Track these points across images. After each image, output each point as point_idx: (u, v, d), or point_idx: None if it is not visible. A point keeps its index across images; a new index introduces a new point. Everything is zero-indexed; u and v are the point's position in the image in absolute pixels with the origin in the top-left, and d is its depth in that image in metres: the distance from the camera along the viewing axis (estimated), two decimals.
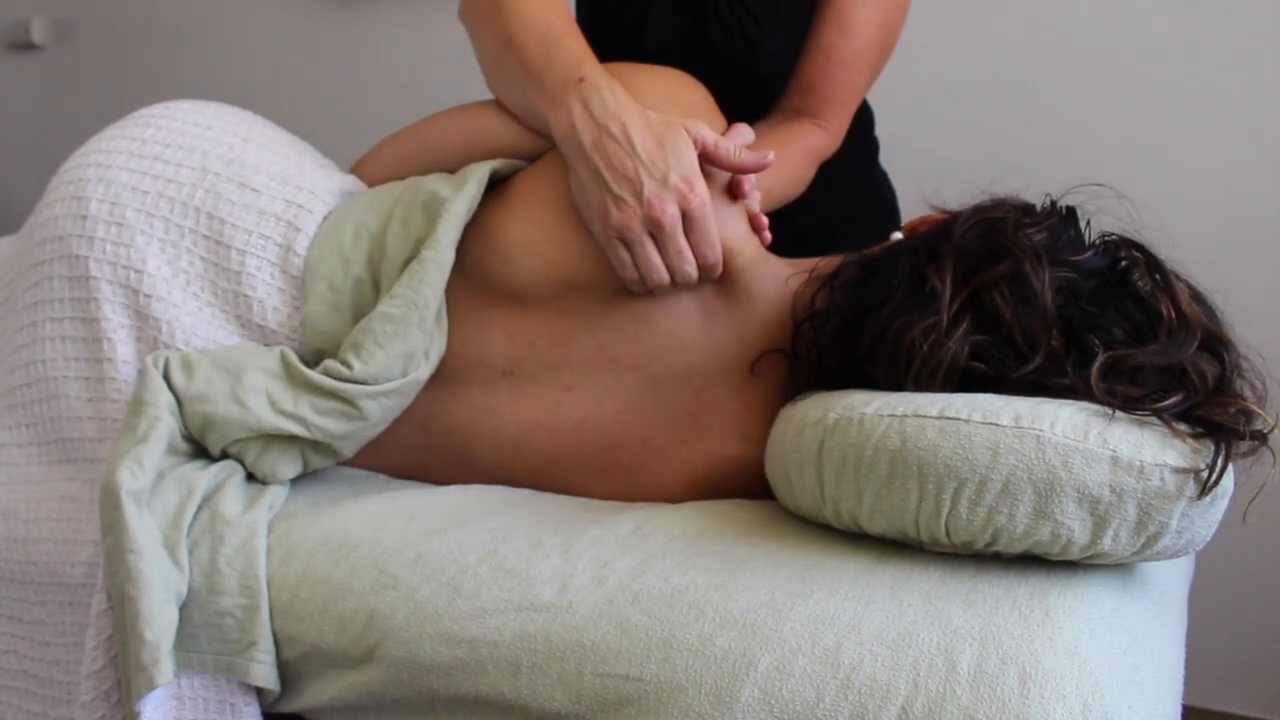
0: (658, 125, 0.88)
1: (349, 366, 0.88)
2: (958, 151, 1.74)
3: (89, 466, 0.91)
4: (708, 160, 0.90)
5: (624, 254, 0.88)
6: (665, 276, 0.88)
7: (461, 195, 0.93)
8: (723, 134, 0.94)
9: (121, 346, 0.92)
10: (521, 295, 0.93)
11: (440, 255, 0.90)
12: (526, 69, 0.95)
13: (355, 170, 1.08)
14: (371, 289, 0.93)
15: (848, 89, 1.15)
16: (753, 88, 1.16)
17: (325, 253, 0.94)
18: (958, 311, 0.77)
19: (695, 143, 0.88)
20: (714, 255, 0.89)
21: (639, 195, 0.86)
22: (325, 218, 0.96)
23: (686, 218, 0.87)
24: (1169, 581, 0.84)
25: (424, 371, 0.91)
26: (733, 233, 0.92)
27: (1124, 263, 0.81)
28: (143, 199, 0.94)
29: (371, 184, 1.04)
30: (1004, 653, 0.66)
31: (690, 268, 0.88)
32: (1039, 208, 0.84)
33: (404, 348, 0.89)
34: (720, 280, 0.92)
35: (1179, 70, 1.64)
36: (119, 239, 0.93)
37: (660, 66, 1.01)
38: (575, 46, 0.95)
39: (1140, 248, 0.81)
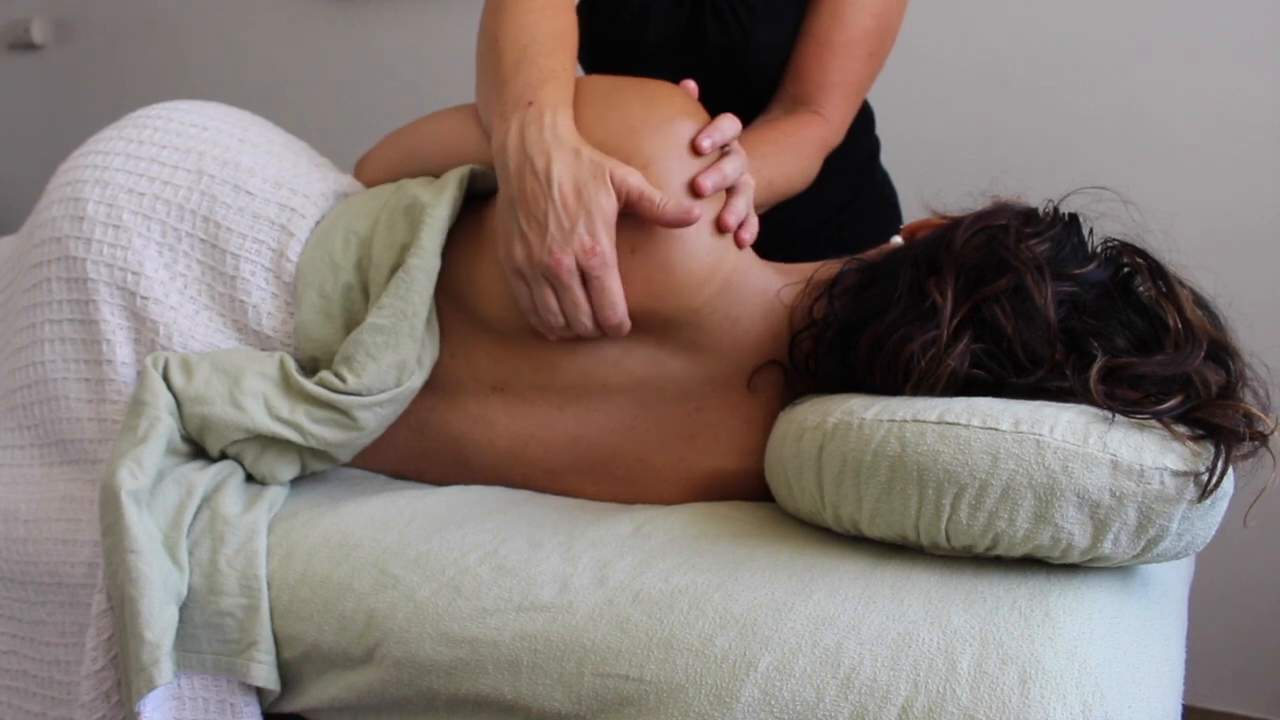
0: (586, 168, 0.83)
1: (343, 380, 0.88)
2: (958, 151, 1.74)
3: (89, 467, 0.91)
4: (631, 210, 0.84)
5: (522, 288, 0.86)
6: (560, 320, 0.85)
7: (442, 200, 0.91)
8: (707, 125, 0.90)
9: (120, 348, 0.92)
10: (498, 328, 0.92)
11: (426, 263, 0.89)
12: (498, 76, 0.93)
13: (356, 170, 1.08)
14: (361, 295, 0.93)
15: (841, 75, 1.14)
16: (749, 81, 1.16)
17: (316, 259, 0.93)
18: (958, 326, 0.77)
19: (620, 193, 0.83)
20: (615, 316, 0.85)
21: (541, 239, 0.83)
22: (318, 222, 0.96)
23: (585, 275, 0.83)
24: (1169, 582, 0.84)
25: (417, 380, 0.91)
26: (699, 264, 0.87)
27: (1127, 269, 0.80)
28: (140, 201, 0.94)
29: (369, 184, 1.04)
30: (1004, 653, 0.66)
31: (586, 319, 0.85)
32: (1041, 213, 0.83)
33: (396, 358, 0.88)
34: (693, 316, 0.89)
35: (1180, 71, 1.64)
36: (116, 241, 0.93)
37: (645, 80, 0.95)
38: (546, 65, 0.91)
39: (1143, 254, 0.80)
